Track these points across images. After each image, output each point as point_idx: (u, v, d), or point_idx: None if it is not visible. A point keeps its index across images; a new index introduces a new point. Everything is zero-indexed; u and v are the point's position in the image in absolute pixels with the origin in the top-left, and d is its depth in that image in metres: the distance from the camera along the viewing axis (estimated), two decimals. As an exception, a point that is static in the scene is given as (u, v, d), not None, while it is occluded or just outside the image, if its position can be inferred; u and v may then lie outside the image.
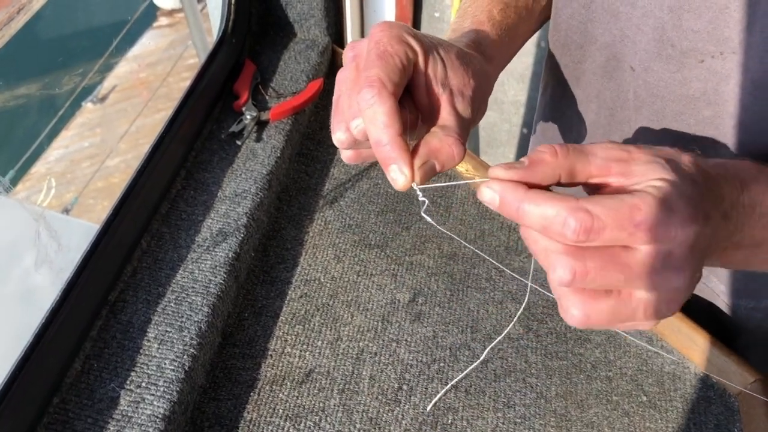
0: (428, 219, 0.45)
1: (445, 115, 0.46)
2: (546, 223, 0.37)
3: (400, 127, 0.42)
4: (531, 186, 0.40)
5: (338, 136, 0.47)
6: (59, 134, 4.36)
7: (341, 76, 0.48)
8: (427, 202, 0.44)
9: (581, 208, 0.36)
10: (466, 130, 0.47)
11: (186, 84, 0.80)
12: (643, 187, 0.38)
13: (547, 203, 0.37)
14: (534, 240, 0.39)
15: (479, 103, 0.49)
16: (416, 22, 1.77)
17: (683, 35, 0.54)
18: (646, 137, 0.64)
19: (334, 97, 0.48)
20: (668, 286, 0.38)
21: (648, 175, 0.39)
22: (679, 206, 0.37)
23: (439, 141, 0.44)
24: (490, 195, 0.40)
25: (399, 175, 0.42)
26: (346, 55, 0.47)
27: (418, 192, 0.43)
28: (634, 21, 0.58)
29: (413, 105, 0.47)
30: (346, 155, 0.50)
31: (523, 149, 1.97)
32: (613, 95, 0.66)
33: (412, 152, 0.43)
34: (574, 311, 0.39)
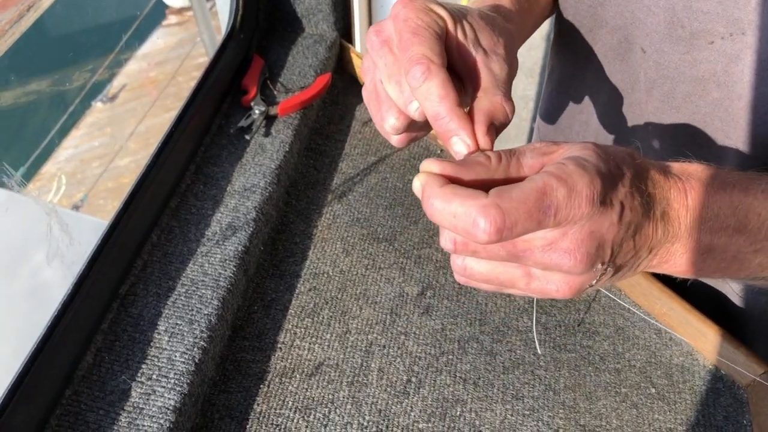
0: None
1: (485, 77, 0.46)
2: (456, 223, 0.36)
3: (456, 97, 0.42)
4: (463, 184, 0.38)
5: (391, 123, 0.46)
6: (69, 134, 4.39)
7: (371, 63, 0.47)
8: None
9: (492, 205, 0.35)
10: (507, 86, 0.47)
11: (195, 83, 0.80)
12: (549, 168, 0.37)
13: (457, 200, 0.36)
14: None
15: (511, 59, 0.49)
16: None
17: (693, 16, 0.55)
18: (657, 119, 0.64)
19: (369, 87, 0.48)
20: (556, 266, 0.38)
21: (563, 154, 0.39)
22: (573, 179, 0.36)
23: (490, 103, 0.44)
24: (416, 186, 0.39)
25: (462, 147, 0.42)
26: (373, 39, 0.46)
27: None
28: (646, 3, 0.58)
29: (453, 72, 0.47)
30: (396, 140, 0.49)
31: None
32: (624, 77, 0.66)
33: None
34: (457, 261, 0.41)
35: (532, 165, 0.40)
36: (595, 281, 0.40)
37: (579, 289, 0.40)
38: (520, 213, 0.35)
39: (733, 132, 0.57)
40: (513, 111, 0.44)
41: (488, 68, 0.46)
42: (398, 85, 0.45)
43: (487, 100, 0.44)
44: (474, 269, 0.41)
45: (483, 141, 0.42)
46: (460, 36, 0.46)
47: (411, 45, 0.43)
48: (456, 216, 0.36)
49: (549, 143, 0.41)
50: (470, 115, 0.43)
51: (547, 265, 0.38)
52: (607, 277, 0.40)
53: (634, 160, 0.41)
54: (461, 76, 0.47)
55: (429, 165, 0.39)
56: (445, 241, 0.38)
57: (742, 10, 0.51)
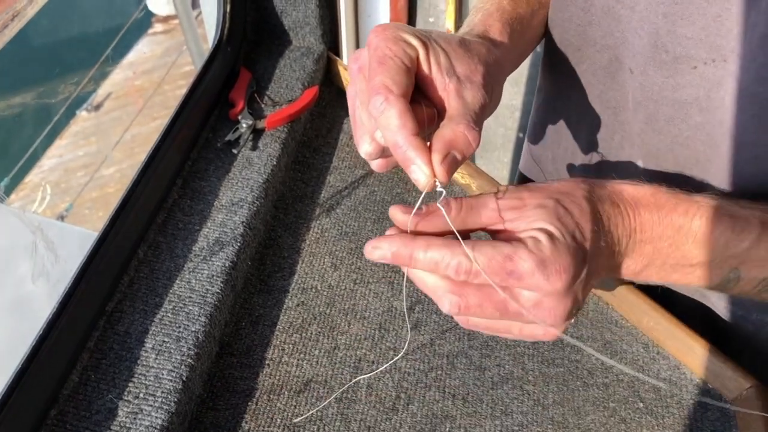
0: (443, 210, 0.44)
1: (453, 104, 0.46)
2: (433, 266, 0.42)
3: (414, 126, 0.42)
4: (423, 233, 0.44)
5: (365, 149, 0.47)
6: (53, 143, 4.35)
7: (353, 91, 0.48)
8: (444, 192, 0.44)
9: (460, 254, 0.41)
10: (479, 115, 0.47)
11: (181, 92, 0.80)
12: (524, 237, 0.43)
13: (433, 249, 0.42)
14: (422, 281, 0.44)
15: (492, 87, 0.49)
16: (411, 29, 1.77)
17: (677, 41, 0.55)
18: (641, 139, 0.64)
19: (350, 113, 0.49)
20: (541, 321, 0.44)
21: (533, 222, 0.44)
22: (550, 260, 0.42)
23: (452, 131, 0.44)
24: (379, 254, 0.44)
25: (420, 175, 0.42)
26: (351, 68, 0.48)
27: (438, 185, 0.43)
28: (633, 25, 0.58)
29: (429, 101, 0.48)
30: (375, 165, 0.50)
31: (518, 153, 1.97)
32: (616, 95, 0.66)
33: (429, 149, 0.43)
34: (457, 319, 0.47)
35: (491, 216, 0.45)
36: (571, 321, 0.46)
37: (561, 332, 0.45)
38: (483, 266, 0.42)
39: (715, 156, 0.58)
40: (477, 140, 0.44)
41: (459, 96, 0.46)
42: (367, 112, 0.45)
43: (449, 128, 0.44)
44: (478, 323, 0.46)
45: (438, 170, 0.43)
46: (433, 64, 0.46)
47: (375, 74, 0.44)
48: (433, 261, 0.42)
49: (513, 195, 0.46)
50: (431, 143, 0.44)
51: (534, 320, 0.44)
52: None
53: (591, 201, 0.46)
54: (437, 105, 0.47)
55: (395, 213, 0.44)
56: (450, 307, 0.43)
57: (724, 38, 0.51)
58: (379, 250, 0.43)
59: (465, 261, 0.41)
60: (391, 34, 0.46)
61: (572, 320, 0.46)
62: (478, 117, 0.46)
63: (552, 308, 0.43)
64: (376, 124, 0.44)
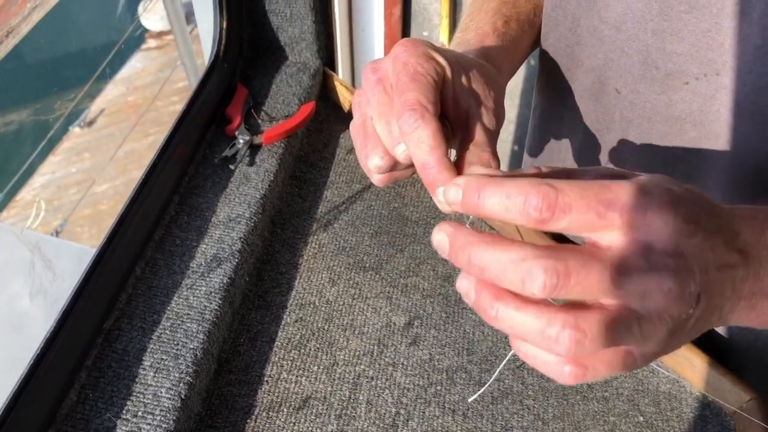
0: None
1: (477, 131, 0.46)
2: (508, 204, 0.33)
3: (446, 148, 0.42)
4: None
5: (375, 162, 0.46)
6: (46, 159, 4.34)
7: (363, 99, 0.47)
8: (471, 217, 0.43)
9: (544, 182, 0.33)
10: (495, 141, 0.47)
11: (175, 108, 0.80)
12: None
13: (509, 182, 0.33)
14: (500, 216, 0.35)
15: (499, 112, 0.49)
16: (405, 44, 1.77)
17: (667, 58, 0.55)
18: (633, 159, 0.64)
19: (358, 122, 0.48)
20: (657, 288, 0.32)
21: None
22: (656, 191, 0.33)
23: (478, 158, 0.44)
24: (454, 192, 0.36)
25: None
26: (369, 77, 0.46)
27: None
28: (619, 45, 0.59)
29: (444, 119, 0.47)
30: (377, 179, 0.49)
31: (513, 166, 1.98)
32: (599, 117, 0.66)
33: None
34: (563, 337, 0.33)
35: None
36: (691, 310, 0.34)
37: (679, 320, 0.33)
38: (574, 195, 0.32)
39: (711, 170, 0.58)
40: (498, 168, 0.44)
41: (480, 121, 0.46)
42: (387, 125, 0.44)
43: (476, 155, 0.44)
44: (588, 340, 0.33)
45: None
46: (456, 86, 0.46)
47: (407, 90, 0.42)
48: (508, 196, 0.33)
49: (613, 169, 0.39)
50: (458, 166, 0.43)
51: (642, 288, 0.32)
52: (699, 312, 0.34)
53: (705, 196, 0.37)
54: (451, 124, 0.47)
55: (476, 170, 0.42)
56: (545, 273, 0.31)
57: (716, 52, 0.52)
58: (455, 188, 0.36)
59: (550, 191, 0.32)
60: (422, 51, 0.45)
61: (691, 309, 0.34)
62: (495, 142, 0.47)
63: (664, 264, 0.32)
64: (402, 139, 0.43)
